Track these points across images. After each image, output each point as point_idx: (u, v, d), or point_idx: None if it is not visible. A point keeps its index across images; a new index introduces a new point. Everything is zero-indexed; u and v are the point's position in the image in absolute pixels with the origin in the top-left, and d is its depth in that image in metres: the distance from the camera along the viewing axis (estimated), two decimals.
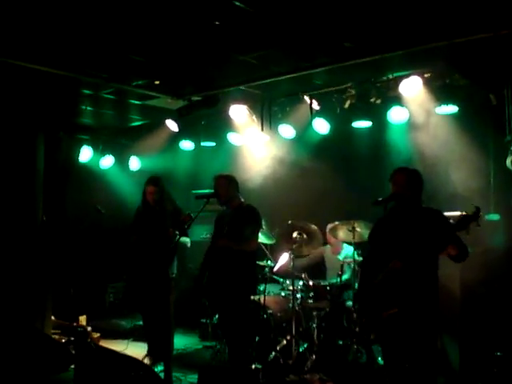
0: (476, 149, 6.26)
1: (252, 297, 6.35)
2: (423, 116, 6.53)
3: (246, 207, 5.78)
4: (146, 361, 6.51)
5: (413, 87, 6.23)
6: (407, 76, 6.25)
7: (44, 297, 7.19)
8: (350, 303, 6.40)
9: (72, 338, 6.98)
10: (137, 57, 6.03)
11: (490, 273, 5.65)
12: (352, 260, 6.36)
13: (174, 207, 6.45)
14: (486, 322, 5.66)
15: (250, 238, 5.67)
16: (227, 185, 5.76)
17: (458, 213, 5.61)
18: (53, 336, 6.93)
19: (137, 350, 6.95)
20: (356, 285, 6.14)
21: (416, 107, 6.45)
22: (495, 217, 5.85)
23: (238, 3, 4.65)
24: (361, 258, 6.39)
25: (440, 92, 6.21)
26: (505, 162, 5.60)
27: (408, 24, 5.10)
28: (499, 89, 5.79)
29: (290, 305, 6.36)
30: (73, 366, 5.34)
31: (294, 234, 6.58)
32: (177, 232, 6.14)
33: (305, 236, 6.65)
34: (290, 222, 6.71)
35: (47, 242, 7.50)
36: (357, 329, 6.06)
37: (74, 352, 6.04)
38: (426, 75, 6.23)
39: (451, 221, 4.20)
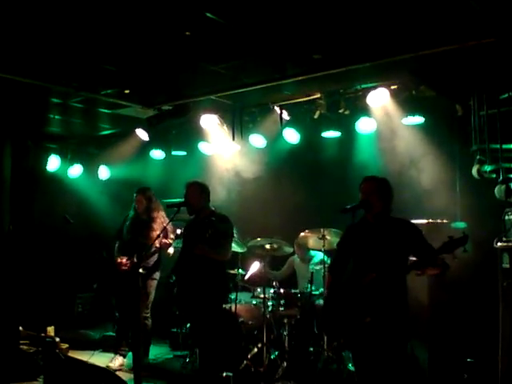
0: (442, 158, 6.39)
1: (223, 305, 6.37)
2: (390, 127, 6.65)
3: (220, 216, 5.71)
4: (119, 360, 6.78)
5: (380, 98, 6.35)
6: (375, 88, 6.37)
7: (11, 307, 7.07)
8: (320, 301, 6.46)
9: (40, 349, 6.87)
10: (107, 66, 6.02)
11: (457, 280, 5.76)
12: (322, 267, 6.44)
13: (163, 218, 6.79)
14: (455, 328, 5.76)
15: (226, 248, 5.65)
16: (199, 193, 5.66)
17: (424, 221, 5.78)
18: (21, 347, 6.82)
19: (105, 361, 6.90)
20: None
21: (383, 118, 6.57)
22: (461, 225, 5.97)
23: (209, 14, 4.70)
24: None
25: (407, 103, 6.33)
26: (471, 171, 5.73)
27: (375, 36, 5.21)
28: (465, 99, 5.92)
29: (261, 313, 6.38)
30: (42, 377, 5.28)
31: (267, 246, 6.67)
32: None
33: (275, 246, 6.74)
34: (258, 238, 6.79)
35: (14, 252, 7.40)
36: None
37: (42, 363, 5.96)
38: (392, 87, 6.36)
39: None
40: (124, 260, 6.65)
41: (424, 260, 4.09)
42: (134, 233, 6.78)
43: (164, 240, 6.55)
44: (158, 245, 6.59)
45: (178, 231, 6.14)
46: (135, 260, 6.58)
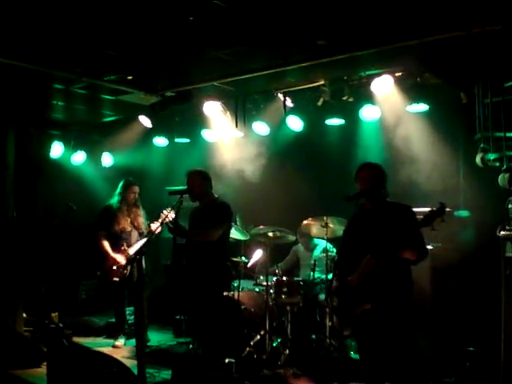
0: (446, 146, 6.37)
1: (226, 292, 6.38)
2: (394, 114, 6.61)
3: (220, 203, 5.78)
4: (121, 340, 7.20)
5: (384, 86, 6.31)
6: (379, 75, 6.33)
7: (15, 294, 7.10)
8: (322, 296, 6.48)
9: (44, 335, 6.91)
10: (110, 51, 5.99)
11: (460, 268, 5.77)
12: (325, 255, 6.45)
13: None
14: (457, 316, 5.77)
15: (214, 228, 5.65)
16: (200, 181, 5.77)
17: (427, 209, 5.76)
18: (25, 333, 6.85)
19: (109, 348, 6.94)
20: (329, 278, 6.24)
21: (387, 105, 6.53)
22: (465, 213, 5.97)
23: None
24: (334, 254, 6.50)
25: (411, 90, 6.29)
26: (474, 160, 5.71)
27: (380, 22, 5.17)
28: (470, 87, 5.89)
29: (264, 300, 6.40)
30: (45, 364, 5.30)
31: (270, 234, 6.68)
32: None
33: (278, 234, 6.74)
34: (261, 226, 6.80)
35: (18, 239, 7.41)
36: (329, 323, 6.12)
37: (45, 349, 5.99)
38: (397, 74, 6.32)
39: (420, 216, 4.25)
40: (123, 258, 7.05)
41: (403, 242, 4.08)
42: (125, 223, 7.18)
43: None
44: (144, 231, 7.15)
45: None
46: (126, 248, 7.07)
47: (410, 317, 4.25)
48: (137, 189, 7.33)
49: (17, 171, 7.57)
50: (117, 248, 7.13)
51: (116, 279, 7.10)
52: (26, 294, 7.33)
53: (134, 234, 7.23)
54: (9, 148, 7.55)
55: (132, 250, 7.06)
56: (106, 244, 7.15)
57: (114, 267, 7.05)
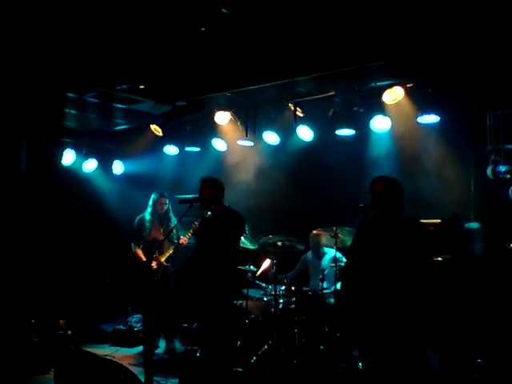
0: (457, 158, 6.35)
1: (234, 301, 6.38)
2: (405, 125, 6.61)
3: (230, 212, 5.73)
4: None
5: (395, 97, 6.31)
6: (390, 85, 6.33)
7: (25, 300, 7.13)
8: (331, 300, 6.46)
9: (52, 342, 6.92)
10: (122, 61, 6.04)
11: (470, 280, 5.73)
12: (334, 265, 6.43)
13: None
14: (466, 328, 5.73)
15: (230, 245, 5.65)
16: (213, 190, 5.67)
17: (437, 220, 5.75)
18: (33, 339, 6.87)
19: (117, 354, 6.95)
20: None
21: (398, 116, 6.53)
22: (475, 225, 5.94)
23: (224, 10, 4.70)
24: (343, 263, 6.48)
25: (422, 102, 6.29)
26: (485, 171, 5.70)
27: (391, 34, 5.18)
28: (481, 99, 5.89)
29: (272, 309, 6.39)
30: (53, 370, 5.32)
31: (279, 243, 6.68)
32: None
33: (287, 243, 6.73)
34: (270, 236, 6.80)
35: (28, 245, 7.45)
36: (337, 333, 6.10)
37: (53, 356, 6.01)
38: (408, 85, 6.31)
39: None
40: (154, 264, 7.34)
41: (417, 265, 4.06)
42: (157, 233, 7.50)
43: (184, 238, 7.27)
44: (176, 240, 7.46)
45: None
46: (158, 256, 7.39)
47: (417, 328, 4.23)
48: (165, 200, 7.61)
49: (28, 178, 7.63)
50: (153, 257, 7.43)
51: None
52: (35, 300, 7.36)
53: (166, 242, 7.37)
54: (21, 155, 7.62)
55: (163, 258, 7.42)
56: (141, 253, 7.43)
57: None
